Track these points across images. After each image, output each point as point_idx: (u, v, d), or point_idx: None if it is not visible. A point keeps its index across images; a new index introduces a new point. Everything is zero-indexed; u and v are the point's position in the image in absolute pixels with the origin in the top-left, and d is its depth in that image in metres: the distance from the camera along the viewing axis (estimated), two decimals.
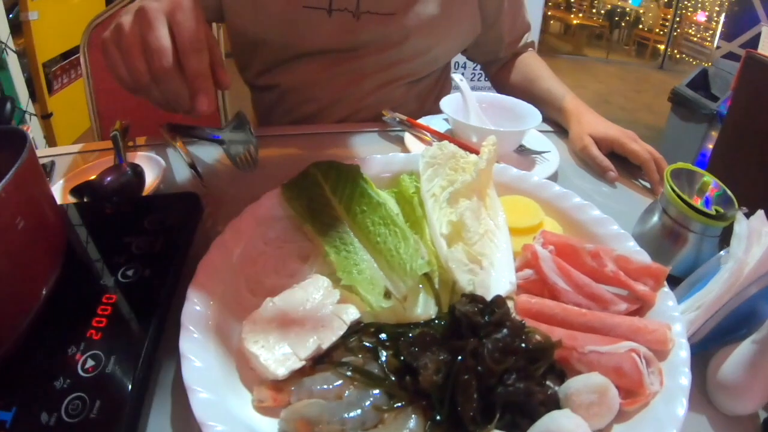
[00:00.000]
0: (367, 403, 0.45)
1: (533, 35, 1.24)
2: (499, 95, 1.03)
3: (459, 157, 0.70)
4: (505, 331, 0.47)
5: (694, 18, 4.47)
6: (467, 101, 0.98)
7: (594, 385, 0.46)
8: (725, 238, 0.63)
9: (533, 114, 0.92)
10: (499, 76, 1.22)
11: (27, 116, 2.45)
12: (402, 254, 0.55)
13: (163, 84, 0.54)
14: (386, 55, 1.03)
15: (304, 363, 0.48)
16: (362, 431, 0.43)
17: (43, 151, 0.97)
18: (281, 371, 0.46)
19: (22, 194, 0.49)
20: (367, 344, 0.50)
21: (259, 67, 1.08)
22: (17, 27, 2.43)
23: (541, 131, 0.99)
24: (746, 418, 0.52)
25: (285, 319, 0.51)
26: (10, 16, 2.39)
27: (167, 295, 0.56)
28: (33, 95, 2.51)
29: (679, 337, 0.52)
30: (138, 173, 0.78)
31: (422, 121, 0.98)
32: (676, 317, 0.54)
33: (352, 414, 0.44)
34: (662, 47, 4.56)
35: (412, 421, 0.44)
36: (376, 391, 0.46)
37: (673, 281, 0.60)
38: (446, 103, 0.94)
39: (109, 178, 0.75)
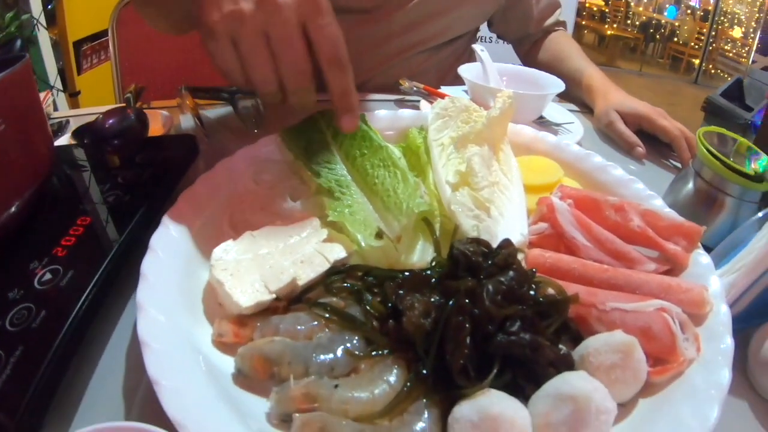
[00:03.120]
0: (340, 347, 0.38)
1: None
2: (521, 67, 0.97)
3: (472, 110, 0.64)
4: (511, 273, 0.40)
5: (730, 33, 4.33)
6: (487, 71, 0.92)
7: (616, 344, 0.39)
8: (766, 205, 0.56)
9: (556, 83, 0.85)
10: (530, 54, 1.16)
11: (54, 92, 2.48)
12: (399, 194, 0.49)
13: (295, 96, 0.48)
14: (406, 13, 0.98)
15: (273, 297, 0.42)
16: (331, 378, 0.37)
17: (60, 113, 0.96)
18: (244, 300, 0.40)
19: (7, 99, 0.47)
20: (351, 286, 0.44)
21: None
22: (48, 1, 2.46)
23: (567, 111, 0.93)
24: None
25: (261, 251, 0.45)
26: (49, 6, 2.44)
27: (143, 221, 0.52)
28: (62, 73, 2.54)
29: (718, 300, 0.44)
30: (142, 120, 0.75)
31: (440, 90, 0.92)
32: (713, 278, 0.47)
33: (320, 357, 0.37)
34: (697, 62, 4.42)
35: (393, 374, 0.37)
36: (355, 337, 0.40)
37: (708, 253, 0.53)
38: (465, 69, 0.88)
39: (111, 121, 0.71)
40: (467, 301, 0.37)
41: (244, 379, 0.39)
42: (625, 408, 0.40)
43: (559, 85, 0.83)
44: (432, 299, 0.39)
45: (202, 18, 0.45)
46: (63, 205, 0.54)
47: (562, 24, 1.17)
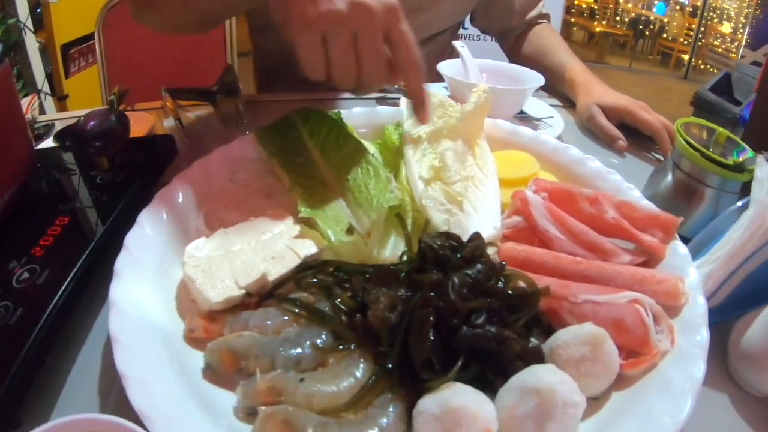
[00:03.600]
0: (307, 341, 0.38)
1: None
2: (501, 62, 0.96)
3: (447, 105, 0.64)
4: (478, 266, 0.39)
5: (719, 28, 4.35)
6: (467, 66, 0.91)
7: (585, 336, 0.39)
8: (745, 196, 0.56)
9: (535, 78, 0.85)
10: (513, 48, 1.16)
11: (43, 96, 2.47)
12: (371, 189, 0.49)
13: (367, 89, 0.53)
14: None
15: (243, 292, 0.42)
16: (297, 372, 0.37)
17: (46, 116, 0.96)
18: (214, 296, 0.41)
19: None
20: (321, 282, 0.44)
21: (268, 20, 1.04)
22: (36, 7, 2.46)
23: (550, 105, 0.93)
24: None
25: (234, 248, 0.46)
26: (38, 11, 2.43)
27: (119, 220, 0.52)
28: (50, 76, 2.53)
29: (694, 291, 0.44)
30: (123, 122, 0.75)
31: None
32: (690, 269, 0.46)
33: (286, 351, 0.37)
34: (686, 57, 4.43)
35: (359, 368, 0.37)
36: (323, 332, 0.40)
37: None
38: (444, 66, 0.88)
39: (92, 123, 0.71)
40: (432, 294, 0.37)
41: (213, 373, 0.39)
42: (597, 402, 0.40)
43: (539, 80, 0.83)
44: (398, 293, 0.38)
45: (295, 12, 0.47)
46: (42, 206, 0.55)
47: (545, 16, 1.16)
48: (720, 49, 4.35)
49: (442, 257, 0.40)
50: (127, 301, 0.40)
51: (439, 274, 0.38)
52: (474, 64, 0.92)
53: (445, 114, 0.62)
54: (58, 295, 0.42)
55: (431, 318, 0.36)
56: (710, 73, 4.19)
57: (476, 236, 0.43)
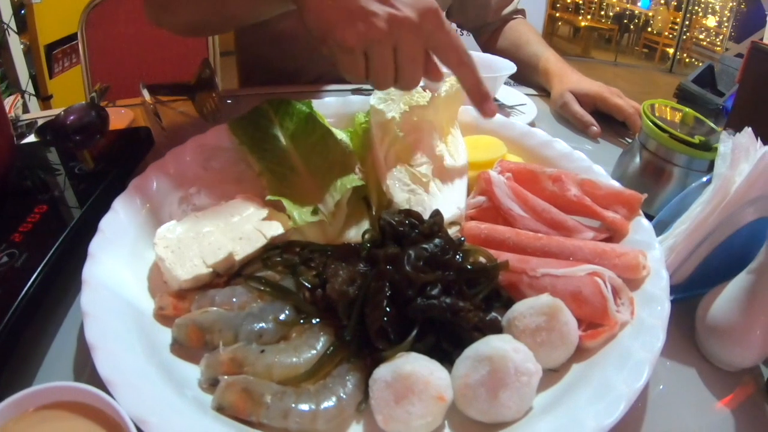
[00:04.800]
0: (270, 316, 0.40)
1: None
2: (475, 52, 0.97)
3: (413, 92, 0.64)
4: (436, 241, 0.40)
5: (704, 22, 4.38)
6: None
7: (541, 306, 0.39)
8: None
9: (508, 66, 0.86)
10: (488, 43, 1.17)
11: (27, 96, 2.46)
12: (336, 173, 0.50)
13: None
14: None
15: (210, 270, 0.43)
16: (259, 345, 0.38)
17: (29, 114, 0.99)
18: (183, 274, 0.42)
19: None
20: (287, 260, 0.45)
21: None
22: (20, 8, 2.45)
23: (525, 95, 0.94)
24: (745, 372, 0.44)
25: (203, 230, 0.47)
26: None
27: (95, 207, 0.53)
28: (35, 77, 2.53)
29: (657, 264, 0.44)
30: (101, 115, 0.76)
31: None
32: (653, 243, 0.47)
33: (249, 325, 0.39)
34: (671, 51, 4.47)
35: (319, 341, 0.38)
36: (287, 307, 0.41)
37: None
38: None
39: (72, 117, 0.73)
40: (389, 267, 0.37)
41: (180, 347, 0.40)
42: (558, 373, 0.40)
43: (511, 68, 0.84)
44: (357, 268, 0.39)
45: (337, 37, 0.47)
46: (23, 196, 0.57)
47: (520, 12, 1.18)
48: (705, 43, 4.38)
49: (400, 233, 0.41)
50: (100, 280, 0.42)
51: (396, 248, 0.39)
52: None
53: (412, 100, 0.63)
54: (34, 276, 0.44)
55: (385, 289, 0.36)
56: (695, 66, 4.21)
57: (435, 213, 0.44)
